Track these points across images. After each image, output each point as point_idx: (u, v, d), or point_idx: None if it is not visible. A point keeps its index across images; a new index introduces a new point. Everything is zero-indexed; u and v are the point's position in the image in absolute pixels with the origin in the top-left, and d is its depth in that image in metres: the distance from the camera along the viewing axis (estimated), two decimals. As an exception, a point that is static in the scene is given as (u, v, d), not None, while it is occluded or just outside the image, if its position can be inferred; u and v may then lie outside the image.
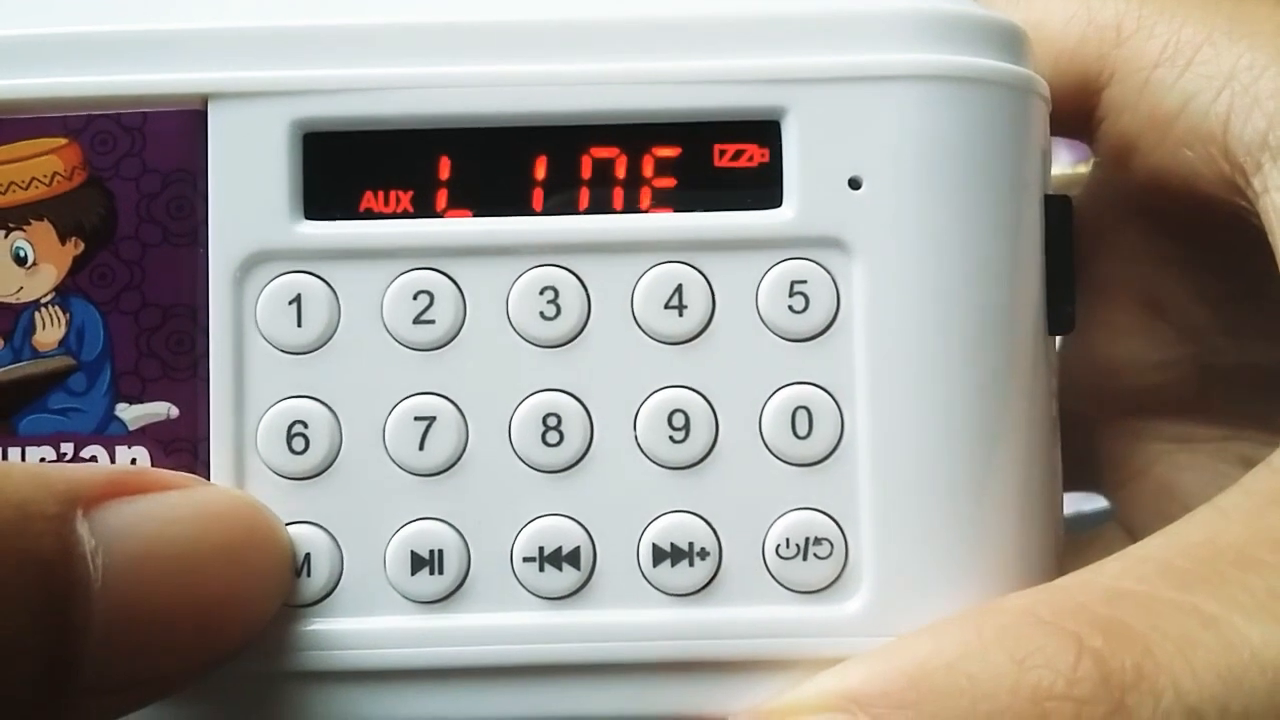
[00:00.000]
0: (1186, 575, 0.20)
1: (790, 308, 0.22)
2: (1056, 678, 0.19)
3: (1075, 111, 0.26)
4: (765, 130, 0.23)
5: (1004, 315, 0.23)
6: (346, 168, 0.23)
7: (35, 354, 0.22)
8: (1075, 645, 0.19)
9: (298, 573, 0.22)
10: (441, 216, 0.23)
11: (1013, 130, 0.23)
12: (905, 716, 0.20)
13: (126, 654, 0.19)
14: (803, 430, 0.22)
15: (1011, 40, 0.24)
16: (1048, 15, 0.26)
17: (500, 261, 0.22)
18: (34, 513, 0.18)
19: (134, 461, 0.22)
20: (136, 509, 0.19)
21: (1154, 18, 0.25)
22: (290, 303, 0.22)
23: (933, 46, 0.23)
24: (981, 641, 0.20)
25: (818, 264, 0.22)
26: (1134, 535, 0.30)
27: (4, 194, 0.22)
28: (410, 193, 0.23)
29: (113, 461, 0.22)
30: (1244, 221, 0.24)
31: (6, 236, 0.22)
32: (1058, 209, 0.24)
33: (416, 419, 0.22)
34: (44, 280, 0.22)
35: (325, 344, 0.22)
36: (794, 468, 0.22)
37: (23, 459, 0.22)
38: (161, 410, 0.22)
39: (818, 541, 0.22)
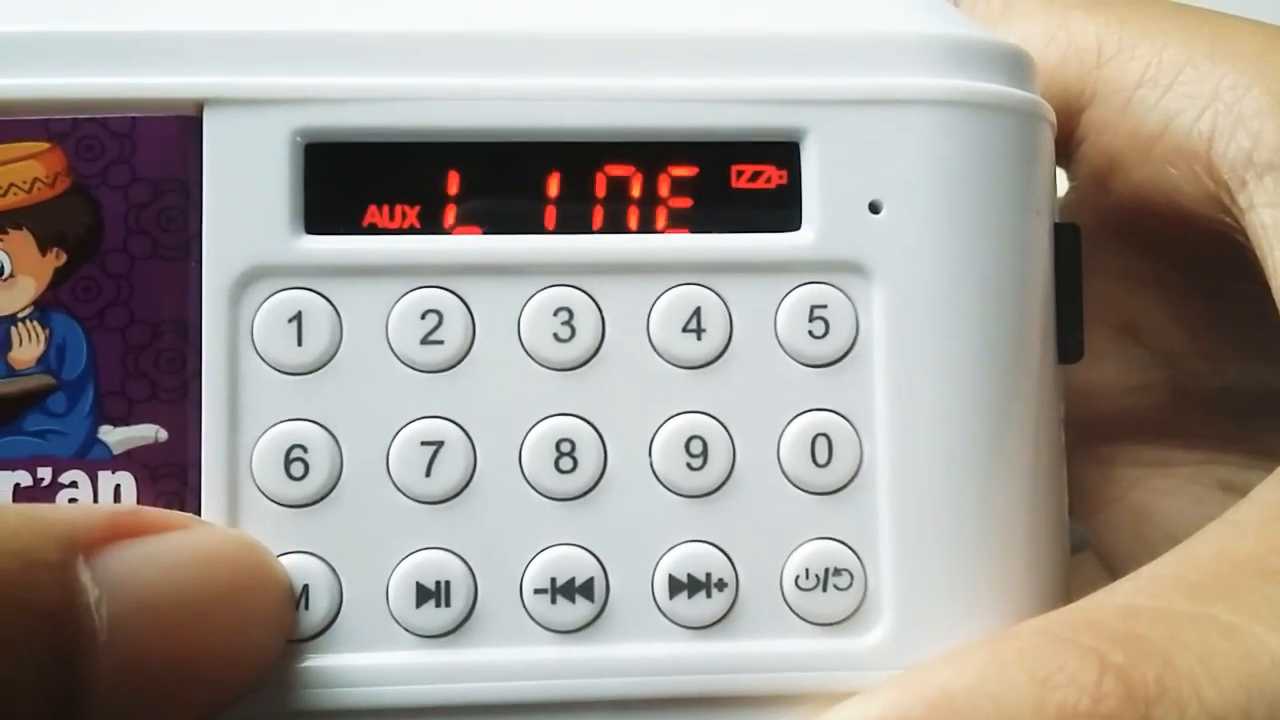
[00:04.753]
0: (1202, 588, 0.20)
1: (810, 333, 0.22)
2: (1081, 695, 0.19)
3: (1055, 134, 0.26)
4: (784, 151, 0.22)
5: (1020, 343, 0.22)
6: (350, 181, 0.22)
7: (11, 372, 0.21)
8: (1097, 661, 0.19)
9: (295, 606, 0.21)
10: (450, 233, 0.22)
11: (1027, 156, 0.23)
12: None
13: (132, 708, 0.18)
14: (822, 458, 0.22)
15: (1022, 66, 0.23)
16: (1027, 37, 0.26)
17: (511, 281, 0.22)
18: (35, 561, 0.17)
19: (118, 488, 0.21)
20: (138, 554, 0.18)
21: (1135, 39, 0.25)
22: (290, 321, 0.21)
23: (950, 71, 0.22)
24: (1001, 663, 0.20)
25: (838, 289, 0.22)
26: (1109, 562, 0.30)
27: (-21, 201, 0.21)
28: (417, 208, 0.22)
29: (95, 487, 0.21)
30: (1225, 240, 0.24)
31: (-19, 246, 0.21)
32: (1067, 236, 0.24)
33: (423, 444, 0.21)
34: (22, 293, 0.21)
35: (326, 364, 0.21)
36: (813, 496, 0.22)
37: (-6, 484, 0.21)
38: (149, 433, 0.21)
39: (837, 572, 0.22)
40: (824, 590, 0.22)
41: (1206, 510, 0.22)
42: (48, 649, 0.17)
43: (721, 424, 0.22)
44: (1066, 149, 0.26)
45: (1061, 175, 0.26)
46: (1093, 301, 0.26)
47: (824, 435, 0.22)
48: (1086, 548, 0.31)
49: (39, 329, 0.21)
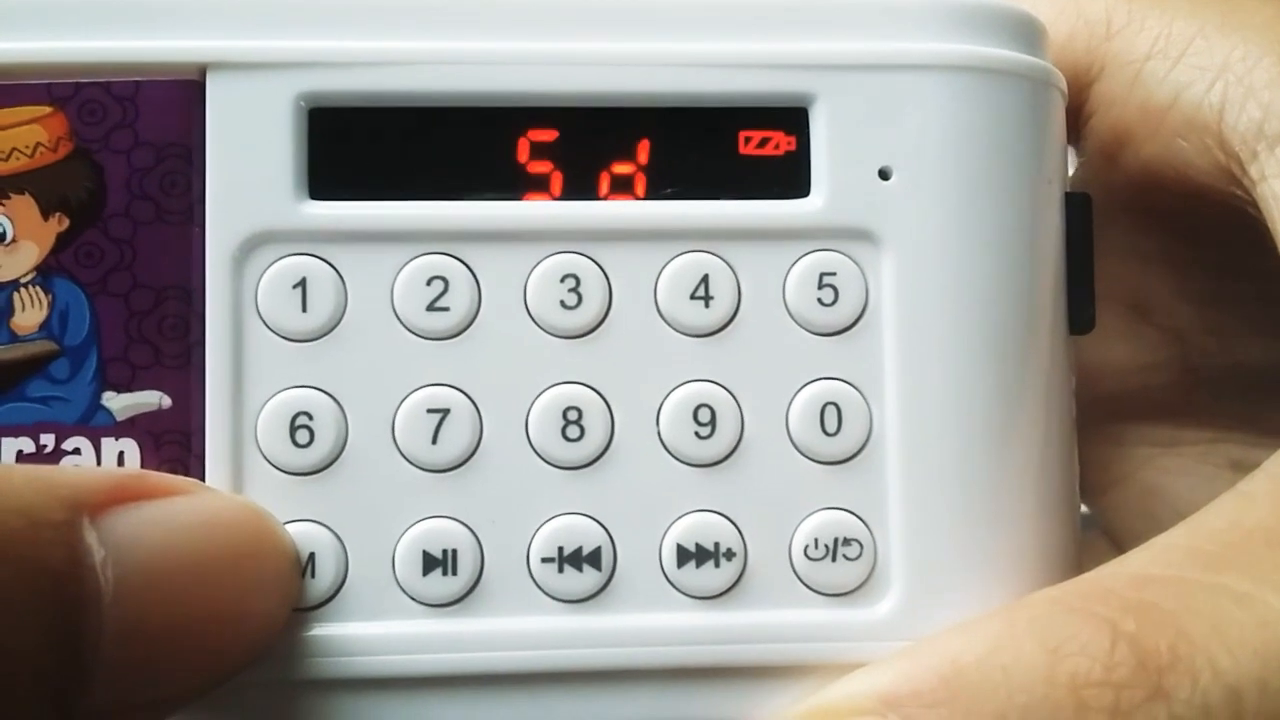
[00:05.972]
0: (1215, 557, 0.20)
1: (819, 300, 0.22)
2: (1093, 664, 0.19)
3: (1066, 102, 0.26)
4: (793, 117, 0.22)
5: (1031, 312, 0.22)
6: (354, 145, 0.21)
7: (13, 338, 0.21)
8: (1109, 630, 0.19)
9: (300, 574, 0.21)
10: (455, 199, 0.21)
11: (1038, 123, 0.23)
12: (939, 715, 0.19)
13: (137, 671, 0.18)
14: (831, 427, 0.22)
15: (1033, 32, 0.23)
16: (1035, 10, 0.26)
17: (518, 247, 0.21)
18: (40, 520, 0.17)
19: (121, 454, 0.21)
20: (143, 516, 0.18)
21: (1144, 12, 0.25)
22: (294, 287, 0.21)
23: (961, 37, 0.22)
24: (1013, 634, 0.19)
25: (847, 256, 0.22)
26: (1118, 541, 0.30)
27: (-19, 165, 0.21)
28: (422, 173, 0.21)
29: (98, 454, 0.21)
30: (1236, 213, 0.24)
31: (-17, 211, 0.21)
32: (1078, 206, 0.23)
33: (429, 411, 0.21)
34: (24, 259, 0.21)
35: (331, 331, 0.21)
36: (822, 466, 0.22)
37: (-3, 450, 0.21)
38: (152, 400, 0.21)
39: (846, 542, 0.21)
40: (833, 560, 0.21)
41: (1216, 489, 0.22)
42: (52, 608, 0.17)
43: (730, 392, 0.22)
44: (1075, 124, 0.26)
45: (1070, 152, 0.26)
46: (1102, 280, 0.26)
47: (833, 404, 0.22)
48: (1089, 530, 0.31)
49: (41, 294, 0.21)
